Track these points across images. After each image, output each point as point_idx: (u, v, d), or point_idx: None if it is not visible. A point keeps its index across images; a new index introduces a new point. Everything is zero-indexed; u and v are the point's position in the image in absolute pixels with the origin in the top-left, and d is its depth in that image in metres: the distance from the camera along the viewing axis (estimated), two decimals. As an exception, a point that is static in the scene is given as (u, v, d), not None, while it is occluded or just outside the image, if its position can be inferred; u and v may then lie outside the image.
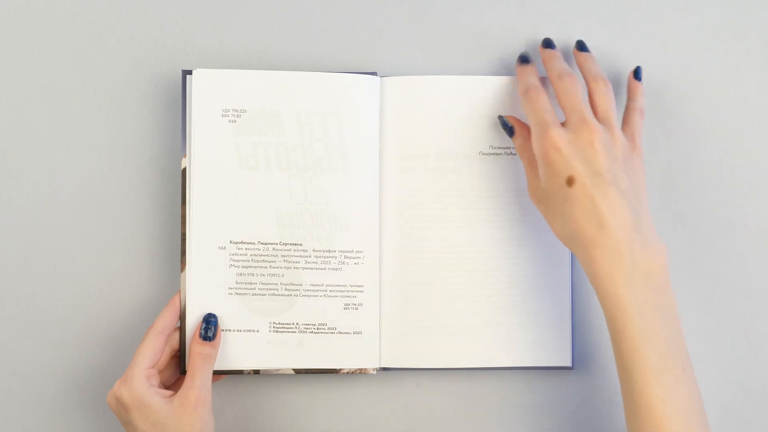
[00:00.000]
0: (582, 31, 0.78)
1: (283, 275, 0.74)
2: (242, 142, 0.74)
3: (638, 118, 0.71)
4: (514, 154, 0.75)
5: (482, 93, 0.75)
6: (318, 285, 0.74)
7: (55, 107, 0.78)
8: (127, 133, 0.77)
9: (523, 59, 0.73)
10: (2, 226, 0.77)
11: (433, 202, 0.75)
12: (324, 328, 0.74)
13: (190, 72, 0.75)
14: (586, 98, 0.69)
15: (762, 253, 0.78)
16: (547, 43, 0.74)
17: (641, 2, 0.78)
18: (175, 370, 0.74)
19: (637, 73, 0.74)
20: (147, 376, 0.69)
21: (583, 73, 0.72)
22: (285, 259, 0.74)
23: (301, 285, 0.74)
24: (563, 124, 0.67)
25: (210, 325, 0.72)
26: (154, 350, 0.71)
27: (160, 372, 0.72)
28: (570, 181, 0.65)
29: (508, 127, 0.73)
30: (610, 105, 0.69)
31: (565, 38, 0.78)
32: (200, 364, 0.71)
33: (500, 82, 0.76)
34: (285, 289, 0.74)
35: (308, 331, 0.74)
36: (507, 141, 0.75)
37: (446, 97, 0.75)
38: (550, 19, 0.78)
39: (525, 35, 0.78)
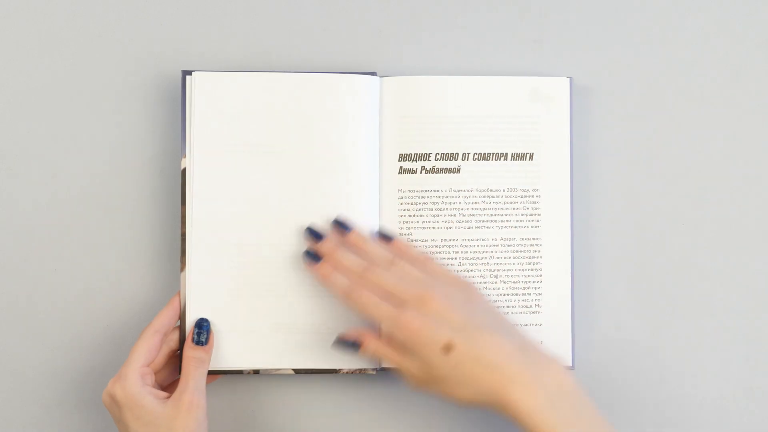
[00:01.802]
0: (582, 31, 0.78)
1: (283, 275, 0.74)
2: (242, 142, 0.74)
3: (432, 262, 0.72)
4: (514, 157, 0.75)
5: (482, 93, 0.76)
6: (318, 285, 0.74)
7: (55, 107, 0.78)
8: (127, 133, 0.77)
9: (310, 255, 0.72)
10: (2, 226, 0.77)
11: (433, 203, 0.75)
12: (324, 328, 0.74)
13: (190, 73, 0.75)
14: (382, 288, 0.69)
15: (762, 253, 0.78)
16: (313, 234, 0.73)
17: (641, 2, 0.79)
18: (174, 370, 0.74)
19: (345, 226, 0.73)
20: (141, 375, 0.69)
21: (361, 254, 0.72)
22: (285, 259, 0.74)
23: (301, 285, 0.74)
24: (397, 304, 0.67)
25: (202, 330, 0.72)
26: (149, 348, 0.71)
27: (158, 372, 0.72)
28: (448, 348, 0.65)
29: (351, 344, 0.70)
30: (403, 275, 0.69)
31: (565, 38, 0.78)
32: (193, 367, 0.71)
33: (500, 82, 0.76)
34: (285, 289, 0.74)
35: (308, 331, 0.74)
36: (507, 141, 0.76)
37: (446, 97, 0.75)
38: (550, 19, 0.78)
39: (525, 35, 0.78)
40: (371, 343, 0.70)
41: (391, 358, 0.68)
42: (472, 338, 0.65)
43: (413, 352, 0.66)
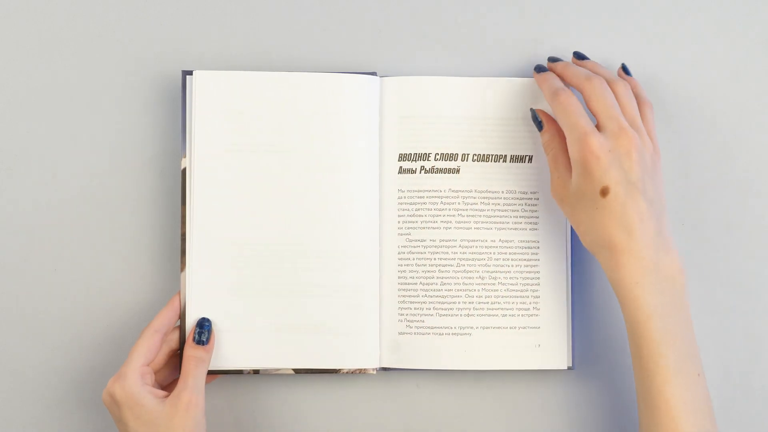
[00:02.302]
0: (582, 31, 0.78)
1: (283, 275, 0.74)
2: (242, 143, 0.74)
3: (651, 113, 0.72)
4: (513, 159, 0.76)
5: (482, 93, 0.75)
6: (318, 285, 0.74)
7: (55, 107, 0.78)
8: (127, 133, 0.77)
9: (540, 68, 0.74)
10: (2, 226, 0.77)
11: (432, 203, 0.75)
12: (324, 328, 0.74)
13: (190, 72, 0.75)
14: (616, 101, 0.69)
15: (762, 253, 0.77)
16: (554, 59, 0.74)
17: (641, 2, 0.78)
18: (174, 369, 0.74)
19: (626, 70, 0.74)
20: (141, 374, 0.69)
21: None
22: (285, 259, 0.74)
23: (301, 285, 0.74)
24: (598, 128, 0.67)
25: (204, 330, 0.72)
26: (149, 348, 0.71)
27: (158, 371, 0.72)
28: (604, 192, 0.66)
29: (537, 121, 0.73)
30: (635, 108, 0.69)
31: (565, 38, 0.78)
32: (193, 367, 0.71)
33: (500, 83, 0.76)
34: (285, 289, 0.74)
35: (308, 331, 0.74)
36: (507, 143, 0.76)
37: (446, 97, 0.75)
38: (550, 19, 0.78)
39: (525, 35, 0.78)
40: (549, 133, 0.71)
41: (551, 161, 0.71)
42: (631, 197, 0.65)
43: (578, 173, 0.67)
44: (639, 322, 0.65)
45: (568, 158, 0.69)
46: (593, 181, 0.66)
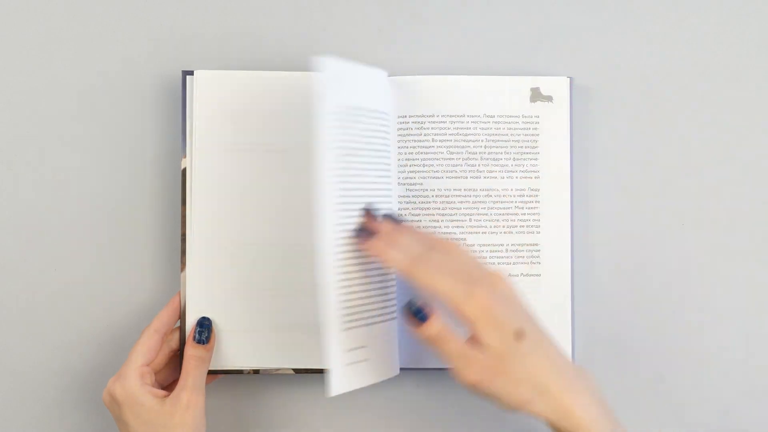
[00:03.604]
0: (582, 31, 0.78)
1: (283, 275, 0.74)
2: (242, 142, 0.74)
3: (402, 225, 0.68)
4: (514, 156, 0.75)
5: (482, 93, 0.75)
6: (313, 284, 0.74)
7: (55, 107, 0.78)
8: (127, 133, 0.77)
9: (361, 233, 0.67)
10: (2, 226, 0.77)
11: (433, 202, 0.75)
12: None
13: (190, 73, 0.75)
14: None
15: (762, 253, 0.78)
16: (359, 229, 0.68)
17: (641, 2, 0.79)
18: (175, 369, 0.74)
19: (393, 217, 0.69)
20: (141, 374, 0.69)
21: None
22: (285, 258, 0.74)
23: (301, 285, 0.74)
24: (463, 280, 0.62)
25: (204, 329, 0.72)
26: (148, 348, 0.71)
27: (158, 371, 0.72)
28: (519, 335, 0.61)
29: (418, 312, 0.63)
30: (416, 242, 0.64)
31: (565, 38, 0.78)
32: (194, 366, 0.71)
33: (500, 81, 0.76)
34: (285, 289, 0.74)
35: (308, 331, 0.74)
36: (507, 141, 0.76)
37: (446, 97, 0.75)
38: (550, 19, 0.78)
39: (525, 34, 0.78)
40: (437, 321, 0.62)
41: (452, 347, 0.61)
42: (539, 334, 0.62)
43: (482, 334, 0.60)
44: None
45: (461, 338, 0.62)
46: (504, 332, 0.60)
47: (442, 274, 0.62)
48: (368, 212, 0.68)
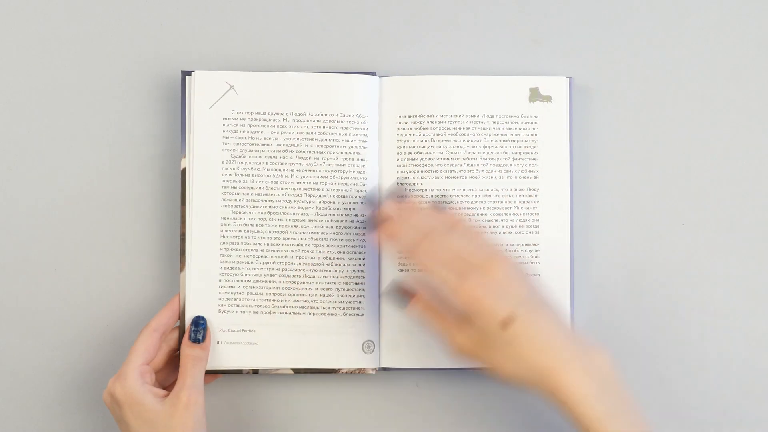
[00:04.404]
0: (582, 31, 0.78)
1: (282, 276, 0.74)
2: (242, 143, 0.74)
3: (437, 206, 0.70)
4: (514, 156, 0.75)
5: (482, 93, 0.75)
6: (317, 285, 0.74)
7: (55, 107, 0.78)
8: (127, 133, 0.78)
9: (372, 222, 0.70)
10: (2, 226, 0.77)
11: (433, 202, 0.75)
12: (323, 328, 0.74)
13: (189, 73, 0.75)
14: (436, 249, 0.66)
15: (762, 253, 0.77)
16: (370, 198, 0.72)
17: (641, 2, 0.78)
18: (175, 369, 0.74)
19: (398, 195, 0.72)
20: (141, 373, 0.69)
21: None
22: (285, 259, 0.74)
23: (301, 285, 0.74)
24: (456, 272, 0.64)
25: (199, 328, 0.72)
26: (147, 347, 0.71)
27: (158, 371, 0.72)
28: (506, 323, 0.62)
29: (400, 298, 0.69)
30: (430, 222, 0.67)
31: (565, 38, 0.78)
32: (191, 365, 0.71)
33: (500, 82, 0.76)
34: (285, 289, 0.74)
35: (308, 331, 0.74)
36: (507, 141, 0.76)
37: (446, 97, 0.75)
38: (550, 19, 0.78)
39: (525, 35, 0.78)
40: (420, 303, 0.67)
41: (435, 325, 0.66)
42: (531, 316, 0.63)
43: (470, 321, 0.64)
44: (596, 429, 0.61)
45: (452, 314, 0.66)
46: (490, 321, 0.63)
47: (438, 263, 0.65)
48: (369, 202, 0.72)
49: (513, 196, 0.75)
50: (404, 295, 0.69)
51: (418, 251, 0.66)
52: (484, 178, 0.75)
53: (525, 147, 0.76)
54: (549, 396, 0.63)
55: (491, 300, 0.63)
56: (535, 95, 0.75)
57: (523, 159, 0.75)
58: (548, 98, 0.75)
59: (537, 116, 0.75)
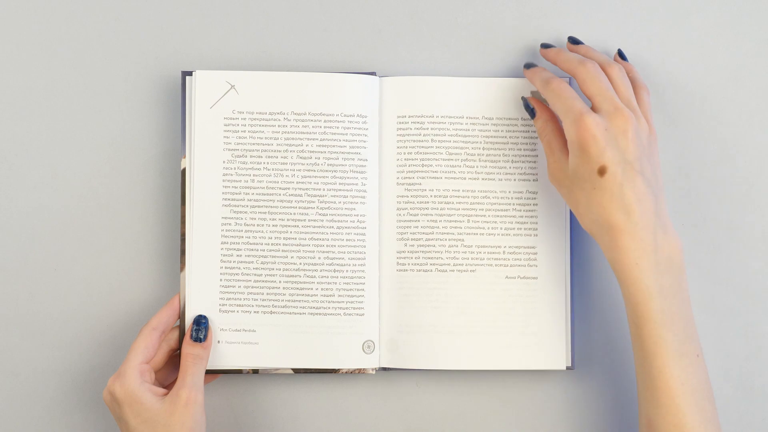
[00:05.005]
0: (581, 32, 0.78)
1: (283, 276, 0.74)
2: (242, 143, 0.74)
3: (647, 96, 0.72)
4: (513, 158, 0.75)
5: (482, 93, 0.75)
6: (317, 285, 0.74)
7: (55, 107, 0.78)
8: (127, 133, 0.78)
9: (529, 65, 0.74)
10: (2, 226, 0.77)
11: (432, 202, 0.75)
12: (323, 328, 0.74)
13: (189, 73, 0.75)
14: (609, 84, 0.69)
15: (762, 253, 0.77)
16: (546, 45, 0.74)
17: (641, 2, 0.78)
18: (175, 369, 0.74)
19: (623, 55, 0.75)
20: (140, 372, 0.69)
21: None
22: (286, 259, 0.74)
23: (301, 285, 0.74)
24: (594, 110, 0.67)
25: (201, 327, 0.72)
26: (146, 346, 0.71)
27: (158, 370, 0.72)
28: (602, 171, 0.65)
29: (529, 108, 0.73)
30: (629, 89, 0.70)
31: (564, 38, 0.78)
32: (191, 364, 0.71)
33: (500, 83, 0.76)
34: (285, 289, 0.74)
35: (308, 331, 0.74)
36: (507, 142, 0.76)
37: (446, 97, 0.75)
38: (550, 19, 0.78)
39: (525, 35, 0.78)
40: (542, 119, 0.72)
41: (546, 146, 0.71)
42: (628, 177, 0.65)
43: (575, 154, 0.66)
44: (639, 303, 0.65)
45: (564, 141, 0.69)
46: (590, 161, 0.65)
47: (568, 96, 0.68)
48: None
49: (512, 198, 0.75)
50: (534, 107, 0.73)
51: (552, 83, 0.69)
52: (483, 179, 0.75)
53: (525, 149, 0.75)
54: (608, 252, 0.66)
55: (602, 144, 0.65)
56: (535, 96, 0.75)
57: (522, 162, 0.75)
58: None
59: None
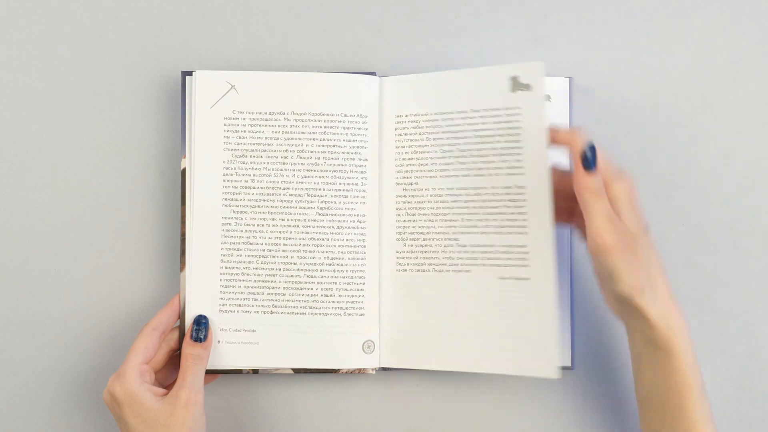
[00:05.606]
0: (581, 32, 0.78)
1: (283, 276, 0.74)
2: (242, 143, 0.75)
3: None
4: (504, 148, 0.73)
5: (469, 87, 0.74)
6: (317, 285, 0.74)
7: (55, 108, 0.78)
8: (127, 133, 0.78)
9: (588, 164, 0.67)
10: (2, 226, 0.77)
11: (432, 201, 0.75)
12: (323, 328, 0.74)
13: (189, 73, 0.75)
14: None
15: (762, 253, 0.77)
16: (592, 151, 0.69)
17: (641, 2, 0.79)
18: (175, 369, 0.74)
19: (586, 161, 0.67)
20: (140, 372, 0.69)
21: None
22: (286, 259, 0.74)
23: (301, 285, 0.74)
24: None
25: (201, 327, 0.73)
26: (146, 346, 0.71)
27: (158, 371, 0.72)
28: (647, 229, 0.67)
29: (590, 160, 0.66)
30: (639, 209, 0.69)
31: (565, 38, 0.78)
32: (191, 364, 0.71)
33: (482, 74, 0.73)
34: (285, 289, 0.74)
35: (308, 331, 0.74)
36: (507, 141, 0.75)
37: (436, 95, 0.75)
38: (550, 19, 0.78)
39: (525, 35, 0.78)
40: (601, 178, 0.67)
41: (605, 206, 0.66)
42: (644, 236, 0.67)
43: (623, 212, 0.66)
44: (686, 372, 0.66)
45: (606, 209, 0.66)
46: (640, 219, 0.67)
47: (602, 209, 0.65)
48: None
49: (501, 194, 0.73)
50: (594, 158, 0.66)
51: (596, 196, 0.66)
52: (474, 176, 0.74)
53: (509, 141, 0.72)
54: (658, 312, 0.65)
55: (638, 206, 0.67)
56: (515, 85, 0.73)
57: (508, 154, 0.72)
58: (527, 86, 0.72)
59: (519, 107, 0.72)
